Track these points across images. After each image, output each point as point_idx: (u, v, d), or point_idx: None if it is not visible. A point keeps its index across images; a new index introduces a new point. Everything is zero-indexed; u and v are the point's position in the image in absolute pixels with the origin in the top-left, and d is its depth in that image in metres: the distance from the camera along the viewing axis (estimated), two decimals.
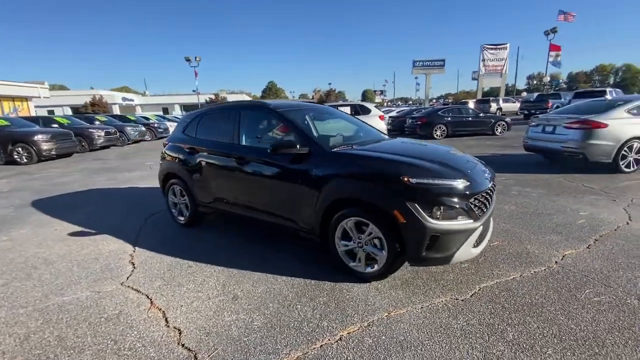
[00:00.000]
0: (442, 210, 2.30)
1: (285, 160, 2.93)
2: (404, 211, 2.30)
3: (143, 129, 17.10)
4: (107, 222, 4.42)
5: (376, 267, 2.56)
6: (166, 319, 2.27)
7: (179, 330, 2.15)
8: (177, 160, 4.00)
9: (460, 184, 2.38)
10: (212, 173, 3.58)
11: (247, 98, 63.66)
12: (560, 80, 73.06)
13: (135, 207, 5.09)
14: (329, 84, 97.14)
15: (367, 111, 11.74)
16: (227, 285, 2.70)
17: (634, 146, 5.83)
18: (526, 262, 2.87)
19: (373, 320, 2.16)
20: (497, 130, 13.92)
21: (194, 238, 3.76)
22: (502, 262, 2.89)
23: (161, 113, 34.75)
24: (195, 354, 1.93)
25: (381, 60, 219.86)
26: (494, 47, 31.50)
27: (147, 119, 20.15)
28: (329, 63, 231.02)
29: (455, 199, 2.34)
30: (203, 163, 3.65)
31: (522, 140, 7.46)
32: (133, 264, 3.16)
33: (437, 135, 13.54)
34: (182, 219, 4.13)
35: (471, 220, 2.36)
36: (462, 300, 2.36)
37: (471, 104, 25.32)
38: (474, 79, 53.98)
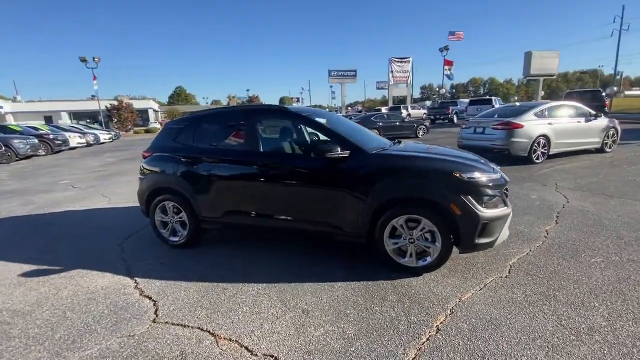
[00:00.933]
0: (487, 200, 2.61)
1: (322, 164, 2.88)
2: (460, 204, 2.53)
3: (36, 141, 14.00)
4: (69, 255, 3.58)
5: (429, 259, 2.73)
6: (247, 349, 2.02)
7: (273, 356, 1.94)
8: (170, 173, 3.49)
9: (496, 176, 2.74)
10: (226, 184, 3.25)
11: (154, 104, 57.68)
12: (451, 89, 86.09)
13: (93, 233, 4.22)
14: (247, 90, 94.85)
15: None
16: (285, 300, 2.52)
17: (540, 142, 7.39)
18: (526, 239, 3.43)
19: (452, 307, 2.32)
20: (419, 132, 15.78)
21: (197, 256, 3.35)
22: (509, 241, 3.36)
23: (43, 122, 28.69)
24: None
25: (298, 69, 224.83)
26: (400, 60, 35.77)
27: (36, 129, 16.52)
28: (243, 69, 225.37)
29: (495, 190, 2.68)
30: (211, 174, 3.28)
31: (457, 140, 8.69)
32: (149, 298, 2.66)
33: None
34: (175, 239, 3.61)
35: (506, 207, 2.74)
36: (505, 276, 2.71)
37: (384, 110, 27.99)
38: (378, 88, 59.60)
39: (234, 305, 2.49)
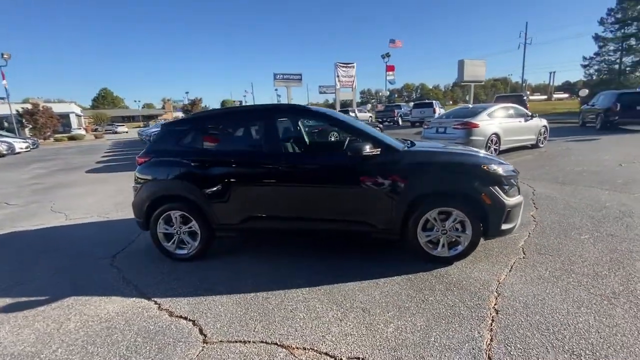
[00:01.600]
0: (508, 190, 2.87)
1: (355, 162, 2.89)
2: (489, 194, 2.75)
3: None
4: (51, 282, 3.04)
5: (460, 248, 2.90)
6: (328, 355, 1.93)
7: (359, 358, 1.89)
8: (176, 179, 3.17)
9: (510, 167, 3.03)
10: (250, 188, 3.05)
11: (76, 108, 51.34)
12: (393, 94, 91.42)
13: (69, 254, 3.62)
14: (186, 92, 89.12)
15: None
16: (338, 302, 2.46)
17: (493, 139, 8.30)
18: (520, 223, 3.82)
19: (496, 289, 2.50)
20: None
21: (211, 267, 3.10)
22: None
23: None
24: None
25: (239, 72, 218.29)
26: (345, 65, 37.07)
27: None
28: (180, 72, 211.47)
29: (512, 180, 2.96)
30: (231, 178, 3.06)
31: (421, 139, 9.31)
32: (184, 318, 2.38)
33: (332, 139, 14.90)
34: (183, 252, 3.28)
35: (520, 195, 3.04)
36: (523, 258, 3.00)
37: None
38: (321, 92, 60.79)
39: (288, 313, 2.36)
